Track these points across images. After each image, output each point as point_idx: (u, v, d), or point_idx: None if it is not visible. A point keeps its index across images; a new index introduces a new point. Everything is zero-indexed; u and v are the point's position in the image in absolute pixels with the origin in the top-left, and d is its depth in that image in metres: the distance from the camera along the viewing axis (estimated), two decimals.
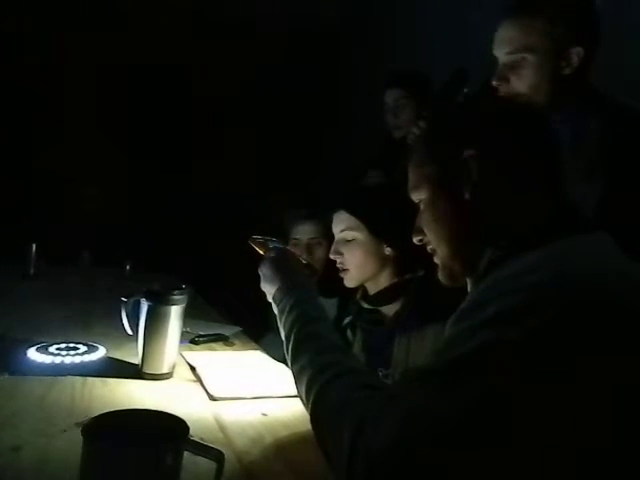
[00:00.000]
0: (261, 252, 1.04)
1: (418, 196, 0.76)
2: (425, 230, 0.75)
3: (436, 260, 0.75)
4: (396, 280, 1.23)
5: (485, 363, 0.53)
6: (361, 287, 1.30)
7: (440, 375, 0.56)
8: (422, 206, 0.75)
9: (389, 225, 1.22)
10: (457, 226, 0.71)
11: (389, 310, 1.22)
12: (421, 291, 1.18)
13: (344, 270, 1.27)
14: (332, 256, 1.28)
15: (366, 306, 1.27)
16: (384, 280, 1.24)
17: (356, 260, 1.24)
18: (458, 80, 1.38)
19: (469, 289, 0.72)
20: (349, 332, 1.33)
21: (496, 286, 0.61)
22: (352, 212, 1.24)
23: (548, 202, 0.68)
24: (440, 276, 0.75)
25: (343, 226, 1.26)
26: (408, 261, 1.22)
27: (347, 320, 1.33)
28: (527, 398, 0.52)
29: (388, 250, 1.22)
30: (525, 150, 0.70)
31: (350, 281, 1.27)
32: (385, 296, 1.23)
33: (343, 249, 1.26)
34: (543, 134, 0.72)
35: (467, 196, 0.68)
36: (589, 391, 0.52)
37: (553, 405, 0.52)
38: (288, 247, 1.11)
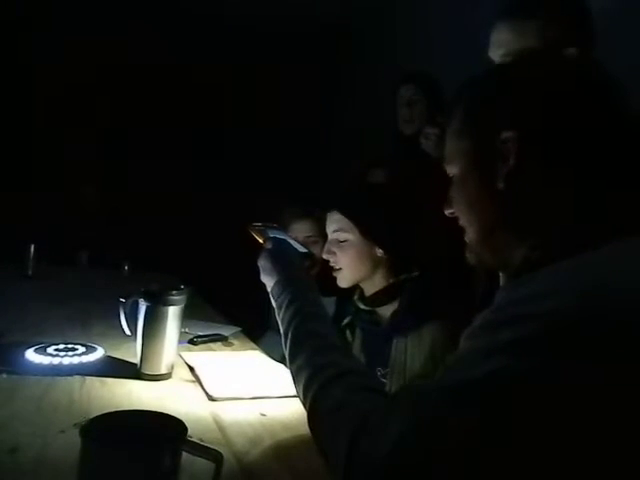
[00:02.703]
0: (260, 241, 1.03)
1: (451, 169, 0.69)
2: (455, 207, 0.70)
3: (466, 239, 0.70)
4: (392, 281, 1.23)
5: (494, 391, 0.50)
6: (358, 288, 1.31)
7: (445, 395, 0.53)
8: (454, 181, 0.69)
9: (381, 228, 1.23)
10: (487, 214, 0.64)
11: (386, 310, 1.23)
12: (416, 291, 1.18)
13: (336, 270, 1.27)
14: (325, 256, 1.28)
15: (363, 307, 1.27)
16: (379, 281, 1.24)
17: (348, 261, 1.24)
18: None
19: (501, 282, 0.68)
20: (348, 332, 1.33)
21: (516, 305, 0.54)
22: (345, 213, 1.24)
23: (605, 200, 0.58)
24: (468, 257, 0.70)
25: (336, 227, 1.26)
26: (402, 262, 1.23)
27: (346, 321, 1.34)
28: (532, 430, 0.49)
29: (380, 252, 1.23)
30: (579, 134, 0.58)
31: (342, 281, 1.27)
32: (381, 297, 1.23)
33: (335, 249, 1.26)
34: (607, 111, 0.60)
35: (501, 184, 0.60)
36: (604, 427, 0.48)
37: (559, 438, 0.49)
38: (287, 236, 1.09)
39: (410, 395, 0.59)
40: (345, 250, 1.24)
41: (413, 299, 1.18)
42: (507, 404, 0.50)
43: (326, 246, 1.29)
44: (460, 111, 0.68)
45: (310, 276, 0.96)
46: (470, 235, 0.68)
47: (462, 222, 0.69)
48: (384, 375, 1.18)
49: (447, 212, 0.72)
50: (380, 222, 1.22)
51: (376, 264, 1.23)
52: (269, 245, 0.97)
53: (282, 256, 0.94)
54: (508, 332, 0.52)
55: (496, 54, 1.16)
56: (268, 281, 0.92)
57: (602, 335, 0.48)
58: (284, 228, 1.77)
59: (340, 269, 1.26)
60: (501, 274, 0.68)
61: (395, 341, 1.16)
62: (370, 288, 1.25)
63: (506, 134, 0.60)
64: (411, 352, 1.13)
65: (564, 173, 0.59)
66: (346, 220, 1.24)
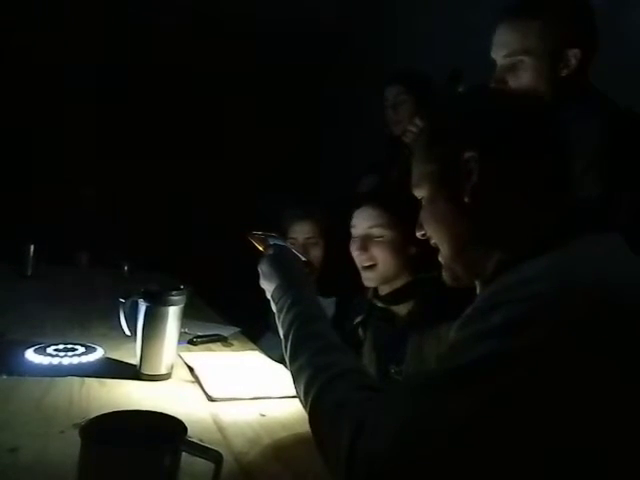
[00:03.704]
0: (260, 248, 1.04)
1: (419, 193, 0.75)
2: (426, 228, 0.75)
3: (440, 259, 0.75)
4: (410, 279, 1.22)
5: (487, 372, 0.53)
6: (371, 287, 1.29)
7: (442, 382, 0.56)
8: (423, 203, 0.75)
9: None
10: (457, 228, 0.70)
11: (401, 309, 1.22)
12: (435, 291, 1.17)
13: (368, 267, 1.24)
14: (356, 252, 1.25)
15: (380, 305, 1.26)
16: (401, 280, 1.23)
17: (384, 257, 1.22)
18: (453, 80, 1.39)
19: (478, 291, 0.71)
20: (360, 330, 1.32)
21: (502, 293, 0.60)
22: (385, 209, 1.21)
23: (556, 204, 0.66)
24: (444, 276, 0.75)
25: (372, 222, 1.23)
26: (427, 261, 1.22)
27: (359, 319, 1.32)
28: (528, 407, 0.51)
29: (413, 250, 1.20)
30: (529, 151, 0.67)
31: (372, 280, 1.24)
32: (399, 295, 1.23)
33: (370, 245, 1.23)
34: (549, 133, 0.70)
35: (467, 199, 0.67)
36: (594, 399, 0.52)
37: (553, 416, 0.51)
38: (287, 244, 1.10)
39: (407, 388, 0.61)
40: (381, 246, 1.21)
41: (432, 299, 1.17)
42: (504, 384, 0.52)
43: (358, 242, 1.25)
44: (421, 141, 0.76)
45: (310, 281, 0.96)
46: (444, 253, 0.73)
47: (434, 242, 0.74)
48: (398, 373, 1.17)
49: (419, 234, 0.77)
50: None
51: (406, 262, 1.22)
52: (270, 251, 0.98)
53: (282, 261, 0.95)
54: (498, 316, 0.56)
55: (499, 55, 1.16)
56: (268, 286, 0.93)
57: (585, 312, 0.54)
58: (284, 230, 1.78)
59: (373, 265, 1.23)
60: (477, 283, 0.71)
61: (411, 340, 1.15)
62: (388, 287, 1.24)
63: (468, 154, 0.67)
64: (427, 351, 1.12)
65: (520, 185, 0.66)
66: (385, 216, 1.21)
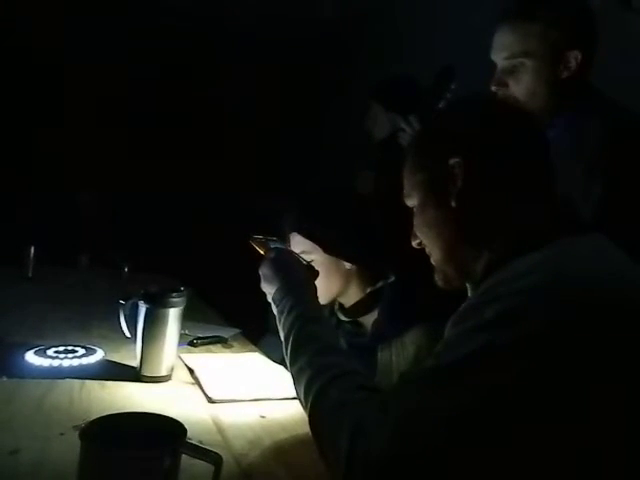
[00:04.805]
0: (261, 252, 1.04)
1: (411, 203, 0.78)
2: (418, 235, 0.77)
3: (432, 261, 0.77)
4: (369, 290, 1.19)
5: (481, 366, 0.54)
6: (336, 300, 1.26)
7: (438, 377, 0.57)
8: (415, 212, 0.77)
9: (343, 243, 1.18)
10: (446, 232, 0.72)
11: (368, 319, 1.19)
12: (393, 297, 1.15)
13: None
14: None
15: (344, 319, 1.24)
16: (355, 292, 1.20)
17: (318, 281, 1.18)
18: (445, 77, 1.40)
19: (469, 292, 0.72)
20: None
21: (494, 289, 0.61)
22: (305, 235, 1.20)
23: (540, 205, 0.69)
24: (436, 279, 0.77)
25: (299, 249, 1.21)
26: (374, 270, 1.19)
27: None
28: (523, 399, 0.52)
29: (348, 265, 1.19)
30: (511, 155, 0.70)
31: (320, 300, 1.24)
32: (361, 308, 1.20)
33: None
34: (530, 137, 0.73)
35: (453, 203, 0.70)
36: (585, 390, 0.53)
37: (549, 405, 0.52)
38: (288, 247, 1.10)
39: (404, 386, 0.62)
40: None
41: (391, 306, 1.14)
42: (499, 377, 0.53)
43: None
44: (410, 152, 0.79)
45: (310, 283, 0.96)
46: (435, 255, 0.75)
47: (427, 249, 0.77)
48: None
49: (414, 244, 0.79)
50: (341, 237, 1.18)
51: (347, 277, 1.19)
52: (271, 254, 0.97)
53: (283, 264, 0.95)
54: (491, 311, 0.57)
55: (499, 57, 1.16)
56: (269, 289, 0.93)
57: (575, 305, 0.55)
58: (285, 233, 1.77)
59: None
60: (468, 285, 0.73)
61: (380, 349, 1.13)
62: (347, 300, 1.22)
63: (453, 160, 0.70)
64: (396, 360, 1.10)
65: (504, 187, 0.69)
66: (307, 242, 1.20)
